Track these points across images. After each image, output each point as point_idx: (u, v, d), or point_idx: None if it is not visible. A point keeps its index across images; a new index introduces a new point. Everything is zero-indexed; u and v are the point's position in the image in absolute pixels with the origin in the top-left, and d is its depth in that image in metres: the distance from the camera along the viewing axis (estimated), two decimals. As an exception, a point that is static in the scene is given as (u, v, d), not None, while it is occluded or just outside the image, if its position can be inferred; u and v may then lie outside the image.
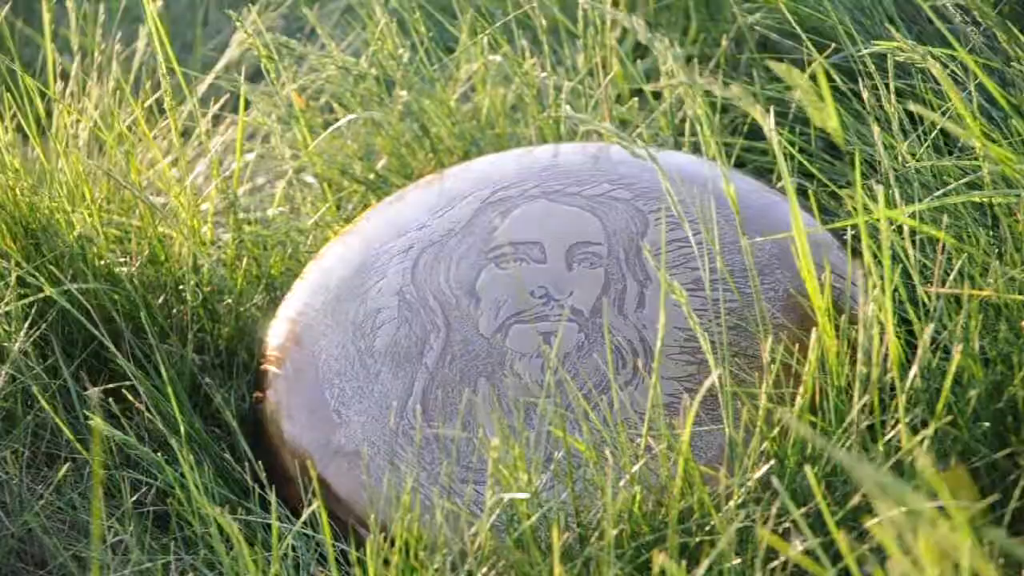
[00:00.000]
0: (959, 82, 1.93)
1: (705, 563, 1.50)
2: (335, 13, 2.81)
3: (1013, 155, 1.75)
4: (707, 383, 1.60)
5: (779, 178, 2.15)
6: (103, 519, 1.80)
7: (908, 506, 1.19)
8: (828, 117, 1.51)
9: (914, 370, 1.62)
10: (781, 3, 2.13)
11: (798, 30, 2.07)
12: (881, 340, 1.61)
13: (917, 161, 1.90)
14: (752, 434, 1.64)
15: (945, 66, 1.85)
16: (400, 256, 1.91)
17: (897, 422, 1.60)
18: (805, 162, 2.01)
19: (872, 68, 1.92)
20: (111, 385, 1.95)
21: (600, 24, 2.26)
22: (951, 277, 1.73)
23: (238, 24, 2.18)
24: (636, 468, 1.62)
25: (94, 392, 1.79)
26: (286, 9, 2.68)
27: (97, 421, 1.49)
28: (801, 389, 1.64)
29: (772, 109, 1.66)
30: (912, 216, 1.82)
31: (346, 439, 1.81)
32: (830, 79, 2.13)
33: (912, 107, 1.60)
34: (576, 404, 1.74)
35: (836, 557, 1.56)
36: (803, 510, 1.59)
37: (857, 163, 1.59)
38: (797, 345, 1.74)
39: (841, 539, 1.31)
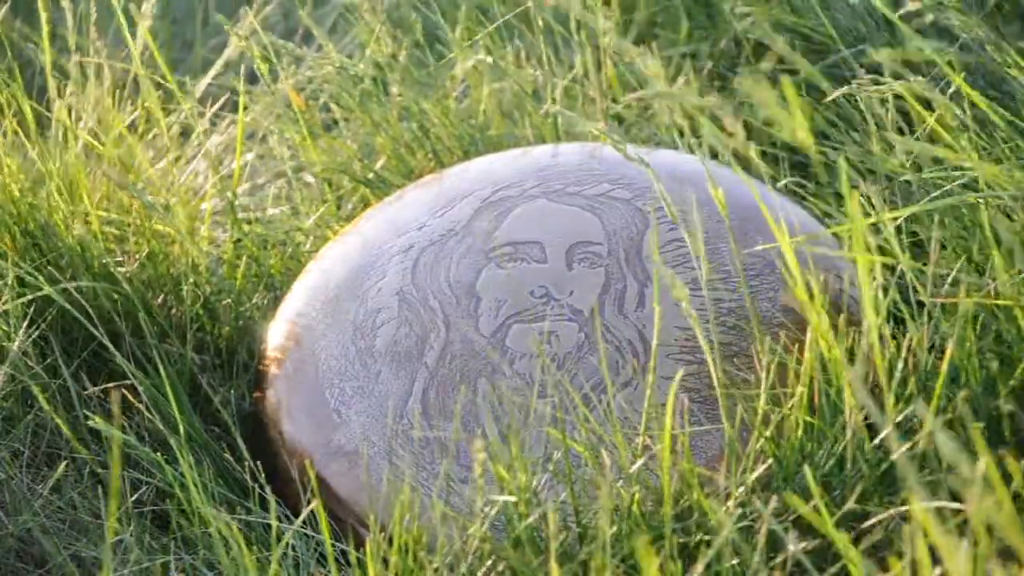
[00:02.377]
0: (951, 88, 1.94)
1: (702, 562, 1.50)
2: (332, 13, 2.81)
3: (1000, 170, 1.76)
4: (677, 378, 1.61)
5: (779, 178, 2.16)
6: (114, 523, 1.80)
7: (965, 476, 1.19)
8: (798, 127, 1.51)
9: (900, 367, 1.63)
10: (770, 10, 2.14)
11: (781, 40, 2.07)
12: (881, 340, 1.62)
13: (913, 166, 1.91)
14: (751, 434, 1.64)
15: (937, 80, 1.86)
16: (400, 256, 1.91)
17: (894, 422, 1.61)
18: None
19: (863, 71, 1.92)
20: (111, 384, 1.95)
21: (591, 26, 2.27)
22: (947, 280, 1.74)
23: (229, 31, 2.18)
24: (635, 468, 1.62)
25: (95, 391, 1.79)
26: (284, 8, 2.68)
27: (114, 432, 1.49)
28: (799, 388, 1.65)
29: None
30: (907, 220, 1.83)
31: (346, 439, 1.82)
32: (818, 86, 2.13)
33: (899, 140, 1.61)
34: (574, 404, 1.74)
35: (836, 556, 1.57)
36: (802, 510, 1.59)
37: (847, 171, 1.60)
38: (796, 345, 1.75)
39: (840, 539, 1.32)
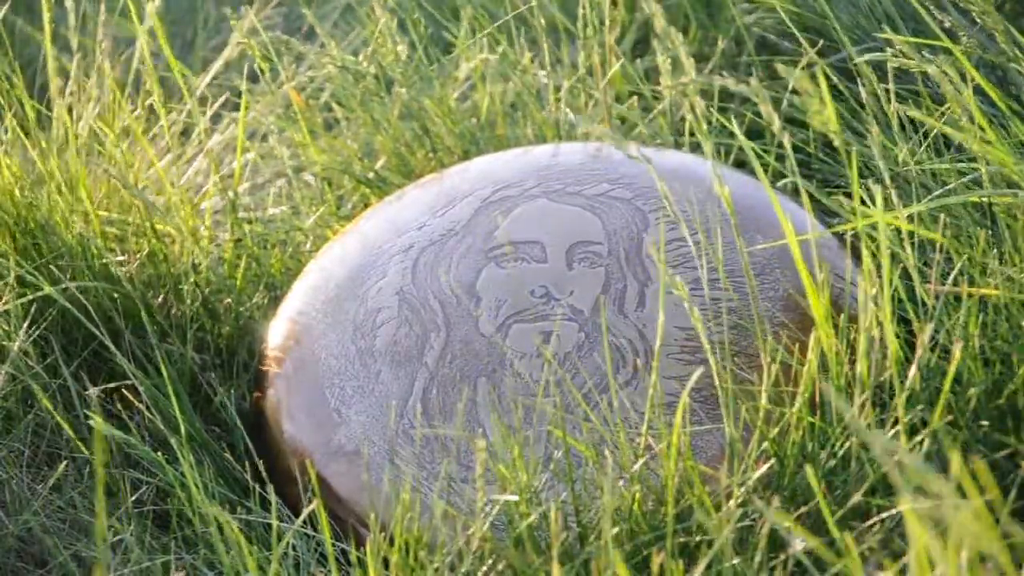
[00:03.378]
0: (957, 82, 1.93)
1: (703, 562, 1.50)
2: (335, 12, 2.81)
3: (1010, 156, 1.75)
4: (693, 378, 1.60)
5: (778, 177, 2.15)
6: (104, 520, 1.80)
7: (935, 490, 1.19)
8: (828, 119, 1.51)
9: (913, 369, 1.62)
10: (778, 4, 2.13)
11: (795, 31, 2.07)
12: (881, 340, 1.62)
13: (916, 163, 1.90)
14: (752, 433, 1.64)
15: (944, 73, 1.85)
16: (400, 256, 1.91)
17: (896, 421, 1.61)
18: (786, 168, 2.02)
19: (869, 69, 1.92)
20: (111, 385, 1.95)
21: (598, 24, 2.26)
22: (951, 277, 1.73)
23: (234, 26, 2.18)
24: (636, 467, 1.62)
25: (94, 392, 1.79)
26: (285, 7, 2.68)
27: (98, 421, 1.49)
28: (801, 388, 1.64)
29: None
30: (910, 217, 1.82)
31: (346, 439, 1.81)
32: (828, 79, 2.12)
33: (912, 113, 1.60)
34: (576, 403, 1.74)
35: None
36: (803, 509, 1.59)
37: (854, 164, 1.59)
38: (797, 345, 1.74)
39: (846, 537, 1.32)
